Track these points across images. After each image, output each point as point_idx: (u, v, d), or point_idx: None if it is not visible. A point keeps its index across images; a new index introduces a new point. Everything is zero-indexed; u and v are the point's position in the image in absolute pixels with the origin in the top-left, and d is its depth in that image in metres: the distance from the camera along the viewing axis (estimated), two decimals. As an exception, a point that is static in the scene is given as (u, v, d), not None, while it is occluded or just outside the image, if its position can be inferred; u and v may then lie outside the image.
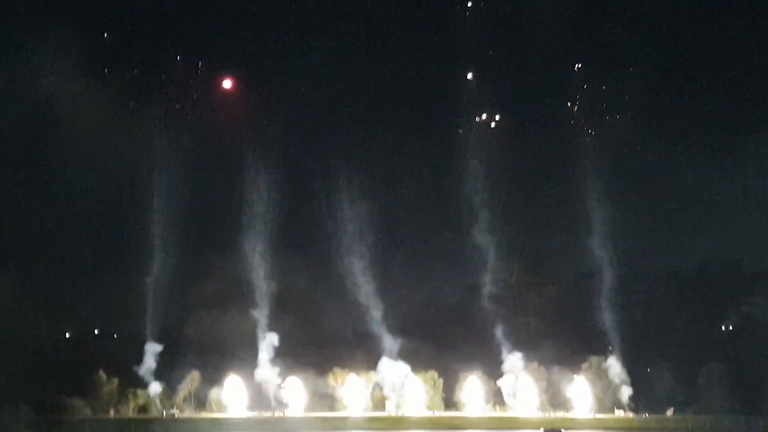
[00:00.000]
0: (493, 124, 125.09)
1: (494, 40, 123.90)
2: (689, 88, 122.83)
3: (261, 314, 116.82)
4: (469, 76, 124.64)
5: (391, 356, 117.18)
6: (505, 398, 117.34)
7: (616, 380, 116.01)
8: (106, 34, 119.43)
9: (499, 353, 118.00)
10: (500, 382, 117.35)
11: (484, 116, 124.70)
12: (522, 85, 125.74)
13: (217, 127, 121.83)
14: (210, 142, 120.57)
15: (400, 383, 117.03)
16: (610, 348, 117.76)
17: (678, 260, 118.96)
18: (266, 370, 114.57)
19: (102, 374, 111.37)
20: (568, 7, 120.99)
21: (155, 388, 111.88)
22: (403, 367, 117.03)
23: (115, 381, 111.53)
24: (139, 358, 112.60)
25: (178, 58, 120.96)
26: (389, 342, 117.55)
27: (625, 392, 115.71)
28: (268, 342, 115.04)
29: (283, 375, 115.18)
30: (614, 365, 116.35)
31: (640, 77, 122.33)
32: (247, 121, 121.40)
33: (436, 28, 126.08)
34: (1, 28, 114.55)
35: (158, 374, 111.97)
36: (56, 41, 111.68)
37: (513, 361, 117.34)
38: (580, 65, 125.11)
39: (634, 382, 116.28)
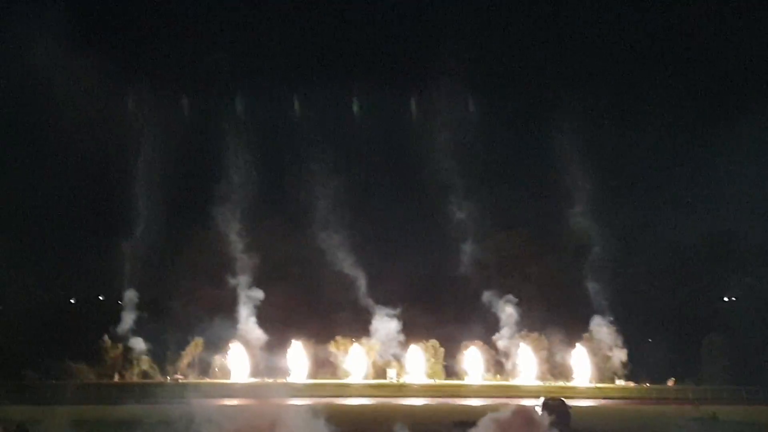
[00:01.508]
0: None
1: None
2: (692, 64, 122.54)
3: (261, 282, 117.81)
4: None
5: (391, 325, 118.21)
6: (506, 367, 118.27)
7: (617, 350, 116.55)
8: (92, 11, 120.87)
9: (499, 323, 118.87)
10: (501, 351, 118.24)
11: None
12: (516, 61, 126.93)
13: (204, 100, 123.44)
14: (201, 115, 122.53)
15: (401, 352, 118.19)
16: (611, 318, 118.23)
17: (680, 232, 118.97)
18: (267, 336, 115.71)
19: (106, 339, 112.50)
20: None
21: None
22: (403, 336, 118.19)
23: (120, 346, 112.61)
24: (142, 324, 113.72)
25: (162, 35, 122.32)
26: (390, 311, 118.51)
27: (626, 362, 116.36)
28: (269, 309, 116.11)
29: (285, 342, 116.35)
30: (615, 335, 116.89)
31: (642, 51, 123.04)
32: (232, 94, 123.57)
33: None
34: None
35: (162, 340, 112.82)
36: (40, 20, 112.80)
37: (513, 330, 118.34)
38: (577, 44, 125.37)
39: (635, 352, 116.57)
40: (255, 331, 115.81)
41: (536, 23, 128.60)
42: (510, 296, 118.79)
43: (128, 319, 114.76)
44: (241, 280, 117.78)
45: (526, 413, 54.63)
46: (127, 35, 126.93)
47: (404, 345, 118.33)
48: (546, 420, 64.15)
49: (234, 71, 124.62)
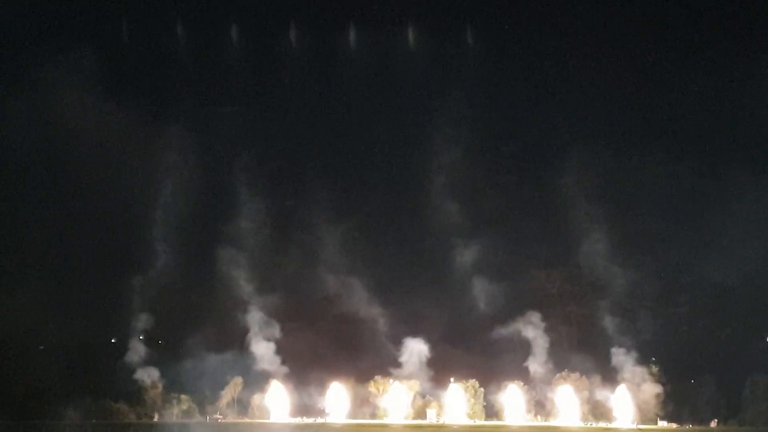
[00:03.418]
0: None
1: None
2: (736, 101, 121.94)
3: (298, 323, 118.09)
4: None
5: (431, 365, 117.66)
6: (547, 408, 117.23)
7: (660, 391, 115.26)
8: (115, 55, 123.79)
9: (540, 363, 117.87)
10: (541, 392, 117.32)
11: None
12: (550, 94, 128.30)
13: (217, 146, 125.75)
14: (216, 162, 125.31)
15: (441, 392, 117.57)
16: (654, 359, 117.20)
17: (724, 271, 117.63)
18: (305, 376, 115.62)
19: (146, 379, 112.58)
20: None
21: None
22: (442, 376, 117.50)
23: (160, 386, 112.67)
24: (182, 364, 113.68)
25: (180, 81, 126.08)
26: (430, 351, 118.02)
27: (668, 403, 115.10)
28: (308, 349, 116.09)
29: (325, 382, 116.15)
30: (658, 376, 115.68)
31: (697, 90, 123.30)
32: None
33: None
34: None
35: (201, 379, 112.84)
36: (68, 60, 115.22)
37: (554, 370, 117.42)
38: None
39: (678, 393, 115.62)
40: (292, 370, 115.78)
41: (564, 54, 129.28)
42: (550, 336, 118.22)
43: (167, 359, 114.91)
44: (277, 321, 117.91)
45: None
46: (146, 84, 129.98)
47: (443, 385, 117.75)
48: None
49: (248, 119, 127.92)
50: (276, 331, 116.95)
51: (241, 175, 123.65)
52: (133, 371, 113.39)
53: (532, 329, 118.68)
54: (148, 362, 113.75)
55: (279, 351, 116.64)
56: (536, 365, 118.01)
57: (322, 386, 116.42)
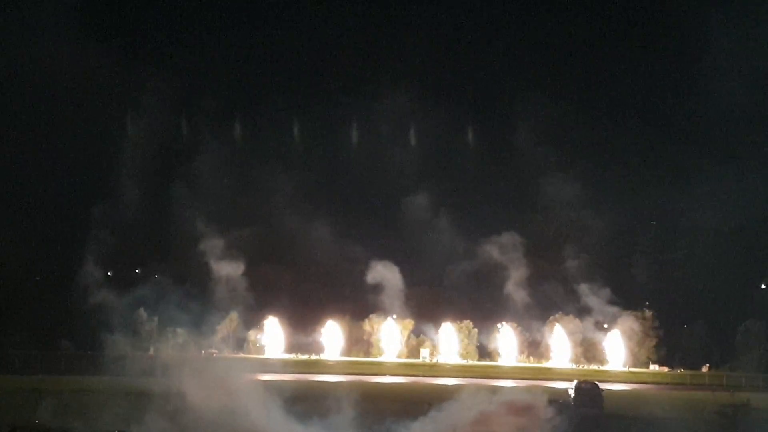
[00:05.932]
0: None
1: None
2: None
3: (298, 260, 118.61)
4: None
5: (426, 305, 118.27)
6: (540, 349, 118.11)
7: (652, 335, 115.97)
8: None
9: (535, 305, 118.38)
10: (535, 334, 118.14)
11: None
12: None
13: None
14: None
15: (435, 331, 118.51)
16: (648, 303, 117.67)
17: (718, 219, 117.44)
18: (303, 314, 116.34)
19: (142, 312, 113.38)
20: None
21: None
22: (438, 316, 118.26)
23: (156, 319, 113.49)
24: (178, 298, 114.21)
25: (147, 19, 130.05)
26: (425, 291, 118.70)
27: (661, 347, 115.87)
28: (307, 287, 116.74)
29: (320, 320, 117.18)
30: (651, 320, 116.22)
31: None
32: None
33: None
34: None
35: (198, 314, 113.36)
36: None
37: (548, 312, 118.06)
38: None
39: (671, 337, 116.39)
40: (291, 307, 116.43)
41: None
42: (546, 279, 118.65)
43: (164, 292, 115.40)
44: (274, 258, 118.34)
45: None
46: (116, 21, 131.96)
47: (438, 325, 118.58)
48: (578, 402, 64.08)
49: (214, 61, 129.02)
50: (242, 268, 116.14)
51: (206, 118, 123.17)
52: (128, 303, 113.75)
53: (507, 251, 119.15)
54: (142, 295, 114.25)
55: (260, 290, 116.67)
56: (531, 308, 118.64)
57: (309, 325, 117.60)
